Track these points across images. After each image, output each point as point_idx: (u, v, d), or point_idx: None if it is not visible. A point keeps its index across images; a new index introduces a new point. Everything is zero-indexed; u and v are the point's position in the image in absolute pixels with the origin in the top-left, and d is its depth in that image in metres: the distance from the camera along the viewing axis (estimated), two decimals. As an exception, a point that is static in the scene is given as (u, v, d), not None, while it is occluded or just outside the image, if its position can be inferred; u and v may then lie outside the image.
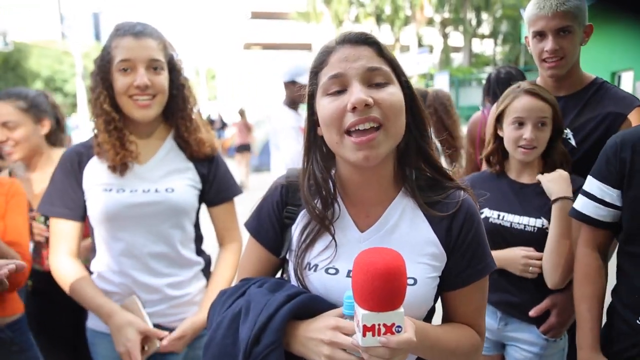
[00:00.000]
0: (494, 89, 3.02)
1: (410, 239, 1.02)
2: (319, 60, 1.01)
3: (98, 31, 50.98)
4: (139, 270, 1.57)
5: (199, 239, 1.72)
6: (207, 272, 1.74)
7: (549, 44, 1.68)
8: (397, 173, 1.06)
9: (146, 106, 1.54)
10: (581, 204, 1.47)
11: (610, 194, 1.40)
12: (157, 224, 1.57)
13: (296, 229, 1.08)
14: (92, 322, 1.62)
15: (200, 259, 1.71)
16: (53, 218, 1.60)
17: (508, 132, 1.70)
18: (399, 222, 1.03)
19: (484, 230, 1.07)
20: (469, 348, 1.04)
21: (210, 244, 1.78)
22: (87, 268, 1.65)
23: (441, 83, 17.26)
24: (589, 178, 1.47)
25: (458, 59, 30.86)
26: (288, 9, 32.63)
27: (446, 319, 1.10)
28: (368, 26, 28.58)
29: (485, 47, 32.37)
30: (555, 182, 1.63)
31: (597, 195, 1.43)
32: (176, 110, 1.65)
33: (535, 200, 1.69)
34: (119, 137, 1.55)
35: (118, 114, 1.56)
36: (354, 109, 0.91)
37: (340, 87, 0.95)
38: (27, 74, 31.35)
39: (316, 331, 0.91)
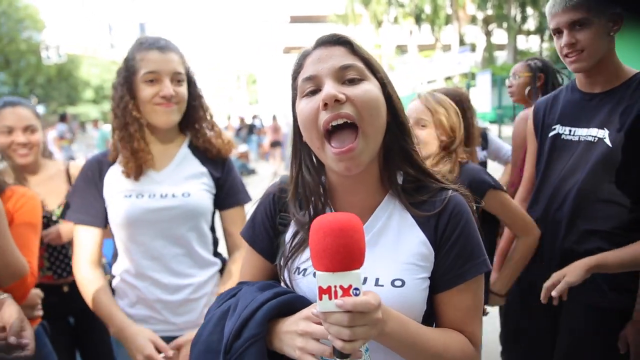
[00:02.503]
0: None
1: (399, 240, 1.00)
2: (296, 65, 1.02)
3: (144, 40, 52.89)
4: (159, 272, 1.64)
5: (215, 241, 1.80)
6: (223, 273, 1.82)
7: (564, 38, 1.65)
8: (382, 176, 1.04)
9: (170, 113, 1.63)
10: None
11: None
12: (176, 227, 1.64)
13: (288, 236, 1.07)
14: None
15: (217, 260, 1.78)
16: (76, 225, 1.68)
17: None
18: (386, 224, 1.02)
19: (476, 229, 1.02)
20: (460, 355, 0.97)
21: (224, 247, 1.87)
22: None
23: (483, 82, 16.77)
24: None
25: (502, 56, 30.02)
26: (326, 12, 32.76)
27: (437, 325, 1.05)
28: (407, 27, 28.27)
29: (531, 43, 31.32)
30: None
31: None
32: (193, 119, 1.75)
33: None
34: (138, 144, 1.63)
35: (139, 124, 1.65)
36: (325, 105, 0.91)
37: (315, 87, 0.95)
38: (79, 83, 32.91)
39: (291, 324, 0.90)
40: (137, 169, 1.63)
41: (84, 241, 1.67)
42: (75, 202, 1.69)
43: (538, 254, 1.85)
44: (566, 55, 1.68)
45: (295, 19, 42.74)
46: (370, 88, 0.95)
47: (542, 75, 2.63)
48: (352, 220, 0.80)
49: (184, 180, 1.68)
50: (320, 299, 0.77)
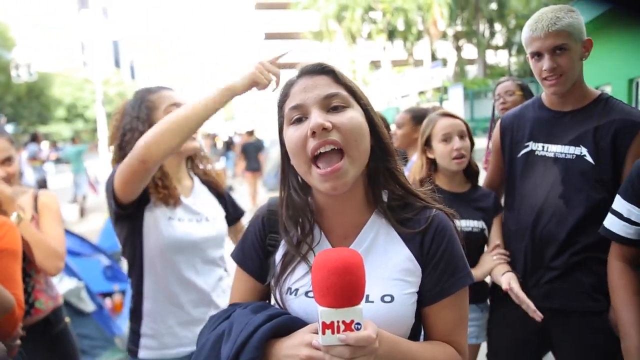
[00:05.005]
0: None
1: (386, 257, 1.04)
2: (283, 94, 1.07)
3: (117, 58, 52.37)
4: (197, 275, 1.79)
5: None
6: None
7: (546, 63, 1.71)
8: (368, 196, 1.08)
9: (194, 139, 1.79)
10: (610, 222, 1.52)
11: (637, 213, 1.43)
12: (207, 248, 1.82)
13: (278, 256, 1.10)
14: (143, 353, 1.75)
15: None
16: None
17: (440, 149, 2.00)
18: (374, 242, 1.06)
19: (459, 244, 1.07)
20: None
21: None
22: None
23: (455, 96, 17.20)
24: (618, 197, 1.50)
25: (473, 71, 30.78)
26: (301, 29, 33.09)
27: (426, 337, 1.10)
28: (381, 42, 28.79)
29: (499, 58, 32.24)
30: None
31: (624, 215, 1.46)
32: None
33: (470, 205, 2.01)
34: (162, 172, 1.75)
35: None
36: (313, 133, 0.96)
37: (301, 115, 1.00)
38: (50, 102, 32.33)
39: (292, 348, 0.91)
40: (172, 195, 1.75)
41: None
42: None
43: (522, 269, 1.88)
44: (545, 79, 1.74)
45: (270, 36, 43.04)
46: (354, 115, 1.00)
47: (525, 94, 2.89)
48: (355, 257, 0.84)
49: (207, 205, 1.89)
50: (324, 333, 0.80)
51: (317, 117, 0.96)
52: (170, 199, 1.74)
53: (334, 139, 0.96)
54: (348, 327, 0.80)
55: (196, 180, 1.94)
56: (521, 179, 1.90)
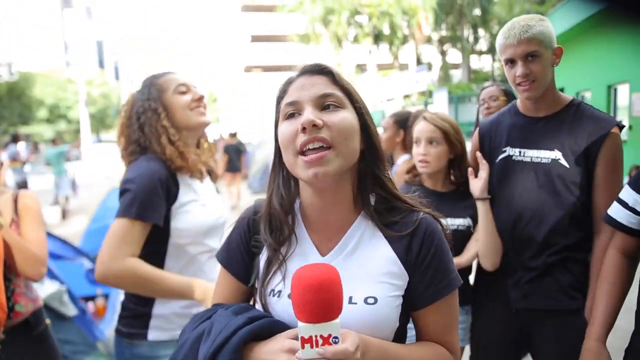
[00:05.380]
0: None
1: (371, 259, 1.04)
2: (281, 90, 1.09)
3: (101, 58, 51.77)
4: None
5: None
6: None
7: (519, 69, 1.77)
8: (356, 198, 1.09)
9: (204, 114, 1.87)
10: (614, 210, 1.56)
11: None
12: (222, 233, 1.86)
13: (262, 258, 1.11)
14: (153, 334, 1.73)
15: None
16: (130, 220, 1.63)
17: (413, 150, 2.09)
18: (358, 243, 1.06)
19: (448, 247, 1.09)
20: None
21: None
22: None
23: (440, 100, 17.37)
24: (626, 187, 1.55)
25: (457, 75, 31.12)
26: (287, 32, 33.12)
27: (418, 339, 1.11)
28: (367, 46, 28.94)
29: (483, 63, 32.65)
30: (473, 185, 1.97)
31: (629, 203, 1.51)
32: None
33: (456, 204, 2.05)
34: (184, 147, 1.81)
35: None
36: (303, 129, 0.98)
37: (295, 111, 1.03)
38: (32, 102, 31.77)
39: (271, 353, 0.91)
40: (199, 171, 1.84)
41: (134, 235, 1.61)
42: (138, 202, 1.64)
43: (503, 269, 1.93)
44: (519, 84, 1.80)
45: (256, 38, 42.97)
46: (346, 116, 1.02)
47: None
48: (330, 273, 0.86)
49: (214, 192, 1.97)
50: (303, 347, 0.84)
51: (309, 114, 0.98)
52: (198, 173, 1.85)
53: (322, 136, 0.98)
54: (326, 341, 0.83)
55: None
56: (499, 183, 1.96)
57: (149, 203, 1.63)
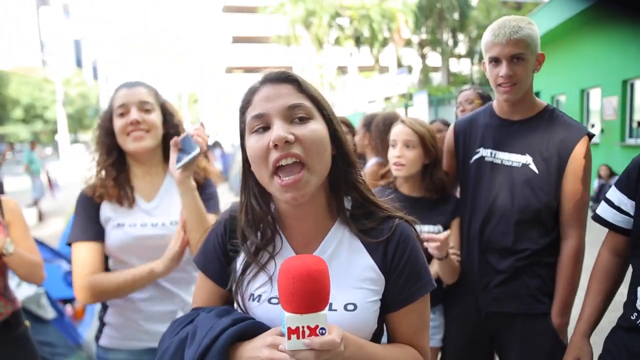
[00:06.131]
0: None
1: (349, 266, 1.05)
2: (245, 100, 1.05)
3: (79, 58, 50.83)
4: (148, 291, 1.76)
5: None
6: None
7: (503, 69, 1.76)
8: (331, 204, 1.09)
9: (140, 139, 1.75)
10: (602, 209, 1.62)
11: (626, 203, 1.53)
12: (157, 246, 1.75)
13: (239, 261, 1.10)
14: (104, 341, 1.80)
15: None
16: (75, 243, 1.72)
17: (389, 153, 2.08)
18: (336, 250, 1.07)
19: (421, 252, 1.11)
20: None
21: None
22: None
23: (420, 102, 17.55)
24: (613, 187, 1.59)
25: (437, 78, 31.46)
26: (269, 33, 33.05)
27: (389, 341, 1.13)
28: (348, 48, 29.07)
29: (462, 66, 33.09)
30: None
31: (615, 203, 1.56)
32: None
33: (430, 210, 2.04)
34: (119, 174, 1.78)
35: (119, 155, 1.80)
36: (275, 146, 0.95)
37: (264, 124, 0.99)
38: (7, 102, 31.04)
39: (254, 350, 0.92)
40: (125, 197, 1.75)
41: (84, 256, 1.70)
42: (74, 227, 1.74)
43: (473, 272, 1.96)
44: (500, 85, 1.79)
45: (237, 39, 42.75)
46: (316, 127, 0.99)
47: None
48: (319, 264, 0.85)
49: (171, 209, 1.81)
50: (289, 338, 0.83)
51: (279, 130, 0.95)
52: (125, 200, 1.76)
53: (295, 152, 0.96)
54: (313, 332, 0.83)
55: (168, 179, 1.87)
56: (472, 184, 1.97)
57: (79, 224, 1.73)
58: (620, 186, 1.56)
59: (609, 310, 1.64)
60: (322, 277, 0.85)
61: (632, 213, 1.52)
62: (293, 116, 0.99)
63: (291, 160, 0.96)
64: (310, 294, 0.83)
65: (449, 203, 2.08)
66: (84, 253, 1.69)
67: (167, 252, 1.68)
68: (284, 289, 0.84)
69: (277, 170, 0.98)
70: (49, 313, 3.20)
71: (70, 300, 4.02)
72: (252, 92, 1.04)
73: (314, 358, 0.83)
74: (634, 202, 1.51)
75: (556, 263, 1.85)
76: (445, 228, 2.03)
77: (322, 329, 0.84)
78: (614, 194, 1.58)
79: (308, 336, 0.83)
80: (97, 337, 1.84)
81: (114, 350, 1.79)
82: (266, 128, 0.99)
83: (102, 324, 1.83)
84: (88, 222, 1.73)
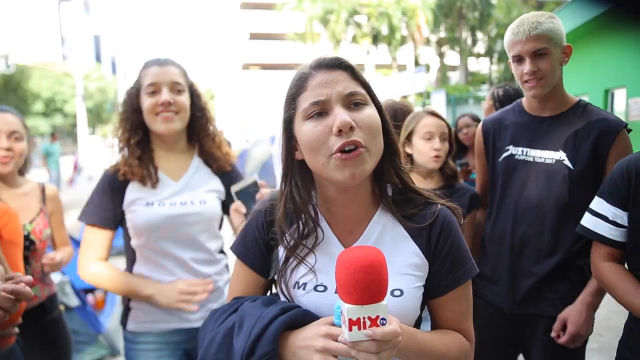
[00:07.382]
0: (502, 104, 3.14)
1: (394, 252, 1.05)
2: (296, 86, 1.04)
3: (99, 53, 51.53)
4: (179, 271, 1.79)
5: (221, 240, 1.96)
6: (228, 267, 1.96)
7: (526, 66, 1.75)
8: (374, 190, 1.10)
9: (169, 121, 1.74)
10: (592, 223, 1.54)
11: (621, 215, 1.47)
12: (194, 232, 1.79)
13: (281, 250, 1.10)
14: (132, 326, 1.83)
15: (224, 256, 1.95)
16: (87, 226, 1.77)
17: (420, 145, 2.05)
18: (381, 236, 1.07)
19: (463, 238, 1.11)
20: (458, 353, 1.07)
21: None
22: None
23: (438, 101, 17.43)
24: (598, 199, 1.53)
25: (455, 77, 31.19)
26: (286, 30, 33.08)
27: (434, 326, 1.13)
28: (365, 46, 28.96)
29: (481, 65, 32.74)
30: None
31: (609, 217, 1.50)
32: (200, 130, 1.88)
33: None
34: (143, 152, 1.78)
35: (144, 133, 1.80)
36: (339, 131, 0.95)
37: (322, 110, 0.99)
38: (28, 95, 31.58)
39: (307, 339, 0.92)
40: (149, 176, 1.75)
41: (91, 240, 1.76)
42: (89, 206, 1.78)
43: (499, 273, 1.91)
44: (526, 82, 1.78)
45: (254, 36, 42.89)
46: (372, 112, 1.01)
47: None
48: (378, 255, 0.85)
49: (199, 189, 1.83)
50: (350, 329, 0.83)
51: (343, 115, 0.96)
52: (148, 179, 1.75)
53: (357, 139, 0.96)
54: (374, 322, 0.83)
55: (195, 160, 1.88)
56: (501, 183, 1.94)
57: (95, 204, 1.76)
58: (609, 198, 1.50)
59: (620, 312, 1.57)
60: (382, 267, 0.85)
61: (626, 224, 1.47)
62: (351, 102, 1.00)
63: (353, 147, 0.96)
64: (372, 284, 0.83)
65: (464, 196, 2.07)
66: (92, 237, 1.76)
67: (176, 295, 1.72)
68: (344, 281, 0.84)
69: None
70: (73, 301, 3.25)
71: (91, 290, 4.08)
72: (304, 78, 1.03)
73: (375, 349, 0.83)
74: (627, 213, 1.46)
75: (587, 266, 1.77)
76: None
77: (383, 319, 0.84)
78: (603, 207, 1.51)
79: (369, 327, 0.83)
80: (124, 323, 1.85)
81: (143, 333, 1.81)
82: (321, 114, 0.99)
83: (128, 309, 1.84)
84: (106, 205, 1.75)
